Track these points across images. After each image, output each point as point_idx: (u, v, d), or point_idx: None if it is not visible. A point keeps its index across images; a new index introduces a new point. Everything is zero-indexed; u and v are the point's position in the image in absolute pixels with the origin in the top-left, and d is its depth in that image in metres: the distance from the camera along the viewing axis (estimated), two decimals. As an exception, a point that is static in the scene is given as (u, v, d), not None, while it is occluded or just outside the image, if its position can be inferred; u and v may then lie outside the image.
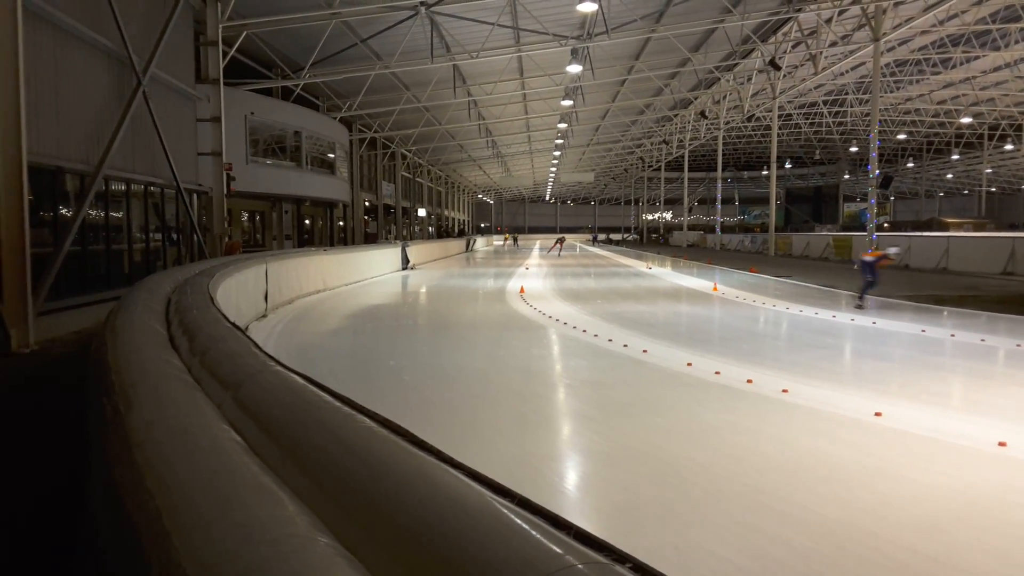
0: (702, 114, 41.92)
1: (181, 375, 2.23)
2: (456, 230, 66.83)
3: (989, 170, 56.79)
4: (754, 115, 42.81)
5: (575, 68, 24.68)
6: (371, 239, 38.82)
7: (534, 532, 1.00)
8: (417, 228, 51.70)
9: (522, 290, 17.21)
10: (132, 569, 1.06)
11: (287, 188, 27.03)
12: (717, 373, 7.55)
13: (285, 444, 1.58)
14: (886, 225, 62.18)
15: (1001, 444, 5.02)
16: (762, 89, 37.91)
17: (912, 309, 13.07)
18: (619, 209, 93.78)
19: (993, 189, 67.87)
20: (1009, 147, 51.84)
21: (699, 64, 32.16)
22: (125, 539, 1.14)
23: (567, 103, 33.99)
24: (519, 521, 1.04)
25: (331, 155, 30.66)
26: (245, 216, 31.52)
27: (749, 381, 7.12)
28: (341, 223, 35.99)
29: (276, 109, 25.72)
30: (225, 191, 16.77)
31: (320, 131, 29.11)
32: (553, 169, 64.68)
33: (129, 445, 1.44)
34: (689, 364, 8.02)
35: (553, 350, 9.66)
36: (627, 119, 46.91)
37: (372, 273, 22.78)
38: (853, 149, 64.98)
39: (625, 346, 9.27)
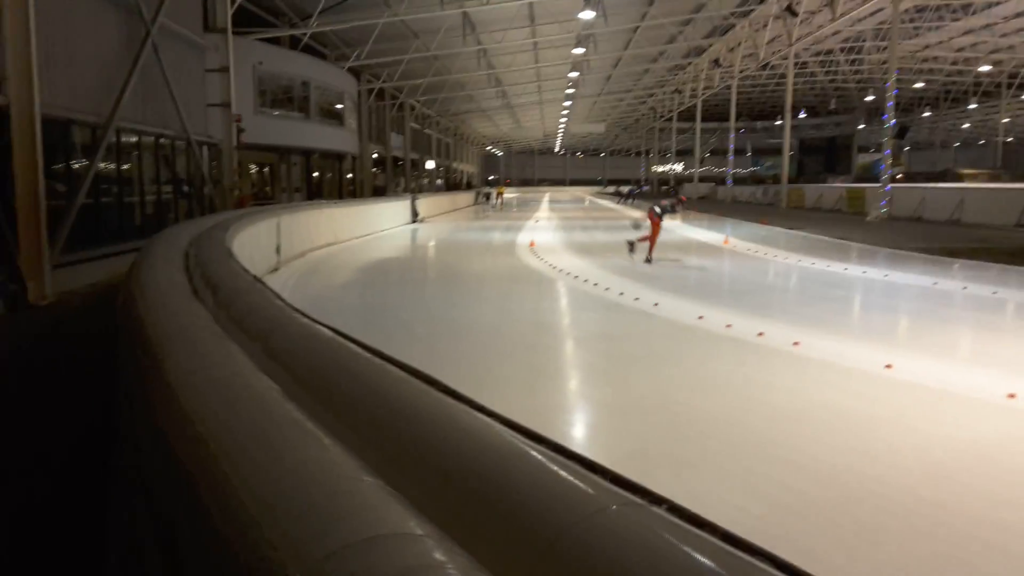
0: (716, 62, 41.15)
1: (211, 326, 2.29)
2: (465, 182, 66.49)
3: (1006, 119, 55.80)
4: (769, 63, 42.02)
5: (588, 14, 24.24)
6: (379, 192, 38.71)
7: (569, 475, 1.05)
8: (426, 180, 51.47)
9: (532, 244, 17.22)
10: (189, 511, 1.12)
11: (295, 140, 26.90)
12: (728, 326, 7.60)
13: (318, 392, 1.65)
14: (900, 176, 61.42)
15: (1010, 396, 5.07)
16: (778, 36, 37.09)
17: (924, 261, 13.00)
18: (629, 160, 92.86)
19: (1010, 139, 66.70)
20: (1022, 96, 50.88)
21: (714, 10, 31.48)
22: (177, 482, 1.21)
23: (579, 51, 33.44)
24: (554, 465, 1.09)
25: (339, 106, 30.41)
26: (253, 168, 31.47)
27: (760, 334, 7.18)
28: (350, 175, 35.87)
29: (284, 59, 25.44)
30: (235, 143, 16.72)
31: (328, 81, 28.83)
32: (563, 120, 63.95)
33: (173, 394, 1.50)
34: (700, 317, 8.07)
35: (564, 303, 9.73)
36: (639, 68, 46.14)
37: (382, 226, 22.79)
38: (869, 98, 63.86)
39: (636, 300, 9.32)
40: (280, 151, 27.84)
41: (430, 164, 53.73)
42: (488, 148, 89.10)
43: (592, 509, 0.96)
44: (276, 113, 25.56)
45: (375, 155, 40.52)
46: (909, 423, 4.72)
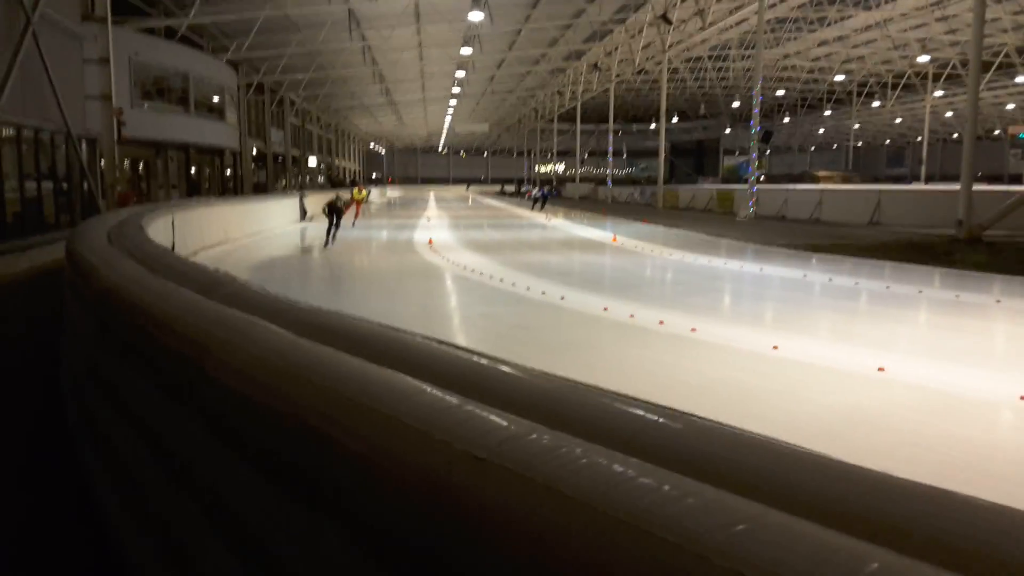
0: (595, 66, 42.67)
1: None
2: (348, 180, 65.52)
3: (857, 125, 60.78)
4: (644, 69, 44.03)
5: (477, 15, 24.69)
6: (260, 189, 37.70)
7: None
8: (307, 178, 50.42)
9: (431, 242, 17.48)
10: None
11: (173, 134, 25.88)
12: (632, 316, 8.21)
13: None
14: (762, 178, 65.62)
15: (880, 369, 5.88)
16: (652, 42, 38.96)
17: (792, 256, 14.26)
18: (512, 160, 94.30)
19: (860, 143, 72.65)
20: (876, 104, 55.62)
21: (594, 16, 32.70)
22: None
23: (467, 51, 33.87)
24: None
25: (219, 99, 29.45)
26: (126, 163, 29.93)
27: (661, 322, 7.82)
28: (229, 172, 34.75)
29: (162, 49, 24.41)
30: (116, 137, 16.04)
31: (208, 74, 27.87)
32: (448, 119, 64.24)
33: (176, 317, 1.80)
34: (605, 308, 8.66)
35: (476, 298, 10.09)
36: (522, 69, 47.13)
37: (271, 224, 22.38)
38: (735, 104, 67.84)
39: (543, 293, 9.83)
40: (157, 146, 26.68)
41: (312, 161, 52.70)
42: (371, 145, 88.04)
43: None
44: (154, 106, 24.48)
45: (255, 151, 39.42)
46: (799, 394, 5.42)
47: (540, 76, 50.96)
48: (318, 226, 24.45)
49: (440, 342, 2.41)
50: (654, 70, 44.63)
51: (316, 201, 30.61)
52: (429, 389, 1.65)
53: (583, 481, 1.16)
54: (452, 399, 1.56)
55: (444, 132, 77.12)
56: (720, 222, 23.85)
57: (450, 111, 59.24)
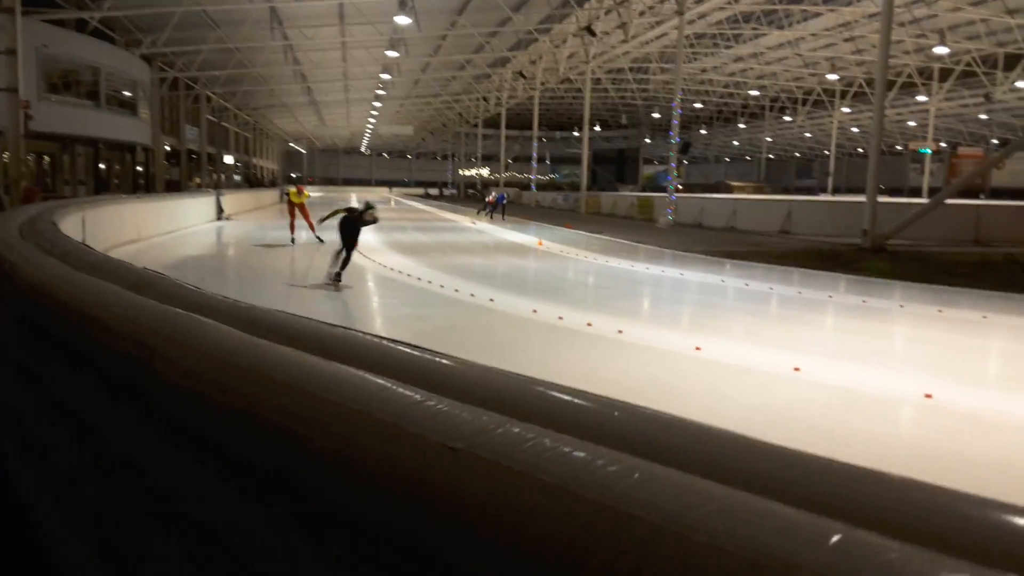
0: (520, 74, 43.02)
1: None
2: (268, 180, 63.95)
3: (769, 138, 63.24)
4: (568, 78, 44.66)
5: (404, 19, 24.56)
6: (173, 186, 36.40)
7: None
8: (223, 176, 48.97)
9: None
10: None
11: (83, 129, 24.72)
12: (560, 318, 8.35)
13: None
14: (680, 187, 67.47)
15: (796, 369, 6.18)
16: (576, 53, 39.59)
17: (710, 263, 14.75)
18: (436, 164, 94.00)
19: (772, 156, 75.56)
20: (787, 118, 57.98)
21: (519, 24, 33.01)
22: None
23: (392, 53, 33.63)
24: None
25: (131, 95, 28.32)
26: (31, 158, 28.42)
27: (589, 324, 7.99)
28: (140, 168, 33.43)
29: (72, 42, 23.30)
30: (22, 131, 15.25)
31: (120, 68, 26.77)
32: (371, 120, 63.53)
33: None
34: (534, 311, 8.77)
35: (404, 299, 10.06)
36: (448, 74, 47.10)
37: (186, 223, 21.64)
38: (655, 115, 69.51)
39: (472, 295, 9.88)
40: (65, 140, 25.42)
41: (228, 159, 51.24)
42: (291, 145, 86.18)
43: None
44: (63, 100, 23.32)
45: (168, 148, 38.07)
46: (722, 392, 5.65)
47: (465, 81, 51.06)
48: (235, 225, 23.81)
49: (387, 340, 2.44)
50: (577, 79, 45.32)
51: (232, 201, 29.81)
52: (391, 385, 1.67)
53: (559, 468, 1.22)
54: (416, 394, 1.60)
55: (367, 133, 76.22)
56: (641, 228, 24.42)
57: (374, 113, 58.63)
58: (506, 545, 1.16)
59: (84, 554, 2.33)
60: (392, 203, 51.87)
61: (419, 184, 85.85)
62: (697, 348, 6.92)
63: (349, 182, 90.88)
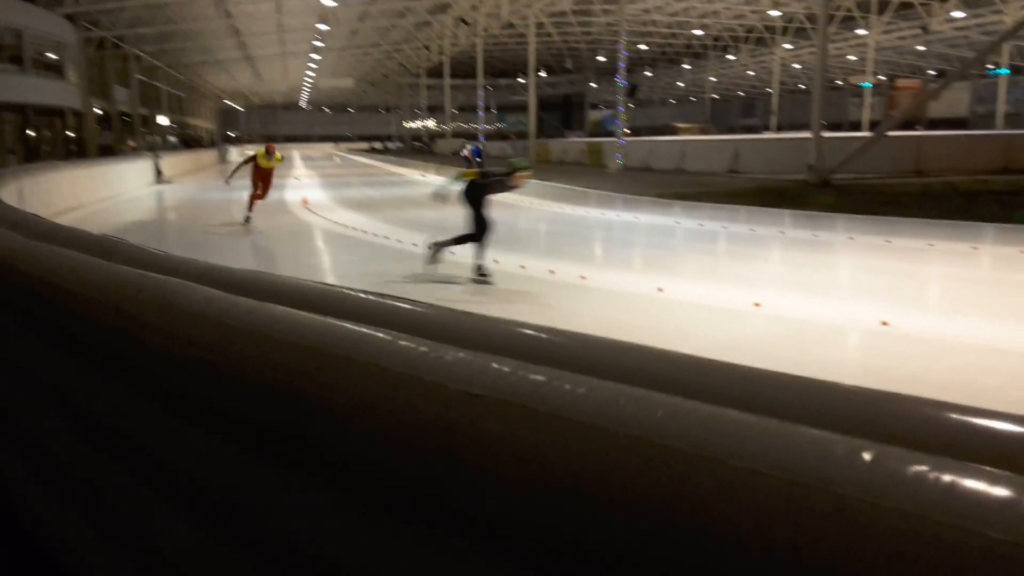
0: (461, 20, 42.15)
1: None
2: (208, 140, 61.97)
3: (713, 78, 63.44)
4: (510, 23, 43.90)
5: (338, -32, 23.73)
6: (106, 151, 35.02)
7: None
8: (158, 138, 47.28)
9: (305, 201, 16.96)
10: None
11: (8, 95, 23.56)
12: (523, 267, 8.39)
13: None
14: (627, 131, 67.52)
15: (756, 304, 6.34)
16: (518, -4, 38.91)
17: (663, 205, 14.88)
18: (379, 117, 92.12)
19: (716, 96, 75.93)
20: (730, 57, 58.18)
21: (459, -32, 32.20)
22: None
23: (329, 2, 32.56)
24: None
25: (57, 57, 26.98)
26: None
27: (551, 271, 8.04)
28: (71, 134, 32.05)
29: (-13, 1, 22.02)
30: (-58, 97, 14.43)
31: (44, 29, 25.43)
32: (310, 74, 61.76)
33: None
34: (496, 261, 8.77)
35: (363, 255, 9.95)
36: (386, 23, 45.92)
37: (125, 188, 20.92)
38: (600, 59, 69.00)
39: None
40: (-12, 107, 24.18)
41: (162, 120, 49.43)
42: (227, 102, 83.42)
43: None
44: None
45: (99, 111, 36.51)
46: (686, 330, 5.77)
47: (405, 30, 49.85)
48: (175, 188, 23.11)
49: (374, 294, 2.42)
50: (520, 24, 44.64)
51: (171, 163, 28.86)
52: (393, 338, 1.67)
53: (585, 407, 1.24)
54: (423, 346, 1.60)
55: (306, 88, 74.17)
56: (592, 174, 24.45)
57: (312, 66, 56.97)
58: (543, 486, 1.18)
59: (82, 533, 2.29)
60: (336, 159, 50.87)
61: (362, 138, 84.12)
62: (660, 289, 7.03)
63: (290, 139, 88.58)
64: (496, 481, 1.26)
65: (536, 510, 1.22)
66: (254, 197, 12.75)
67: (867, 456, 1.02)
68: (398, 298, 2.25)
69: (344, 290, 2.29)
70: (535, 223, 13.41)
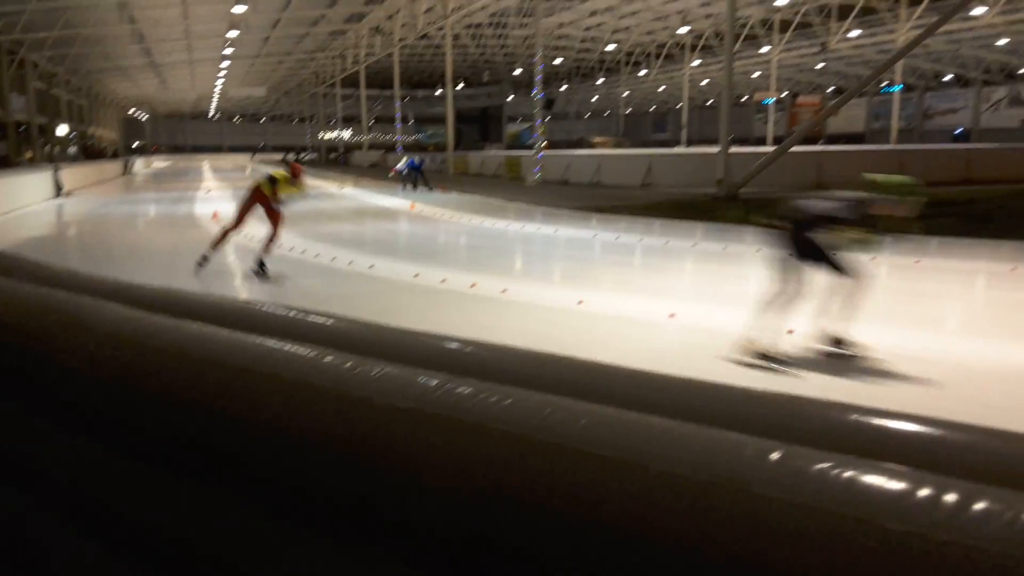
0: (376, 29, 41.85)
1: None
2: (110, 151, 59.32)
3: (626, 93, 65.02)
4: (426, 34, 43.89)
5: (250, -24, 23.25)
6: (2, 163, 33.12)
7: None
8: (57, 149, 44.99)
9: (215, 215, 16.46)
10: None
11: None
12: (443, 281, 8.39)
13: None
14: (545, 144, 68.35)
15: (671, 315, 6.53)
16: (434, 6, 38.92)
17: (580, 218, 15.17)
18: (293, 127, 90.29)
19: (629, 110, 77.81)
20: (642, 72, 59.76)
21: (374, -21, 32.01)
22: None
23: (239, 9, 31.82)
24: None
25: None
26: None
27: (473, 285, 8.07)
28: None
29: None
30: None
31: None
32: (219, 82, 60.08)
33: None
34: (416, 275, 8.76)
35: (282, 271, 9.73)
36: (300, 30, 45.16)
37: (23, 202, 19.86)
38: (516, 72, 69.72)
39: (351, 263, 9.73)
40: None
41: (62, 129, 47.09)
42: (131, 111, 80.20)
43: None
44: None
45: (-8, 120, 34.50)
46: (604, 342, 5.90)
47: (320, 38, 49.16)
48: (77, 202, 22.06)
49: (297, 310, 2.41)
50: (437, 35, 44.69)
51: (72, 176, 27.55)
52: (319, 354, 1.67)
53: (511, 417, 1.28)
54: (348, 361, 1.60)
55: (215, 96, 72.09)
56: (511, 187, 24.66)
57: (222, 74, 55.46)
58: (472, 496, 1.21)
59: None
60: (249, 171, 49.56)
61: (276, 149, 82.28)
62: (580, 302, 7.16)
63: (199, 149, 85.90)
64: (426, 492, 1.28)
65: (465, 519, 1.24)
66: (228, 230, 9.29)
67: (775, 456, 1.09)
68: (321, 313, 2.24)
69: (265, 307, 2.26)
70: (455, 237, 13.43)
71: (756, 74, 56.61)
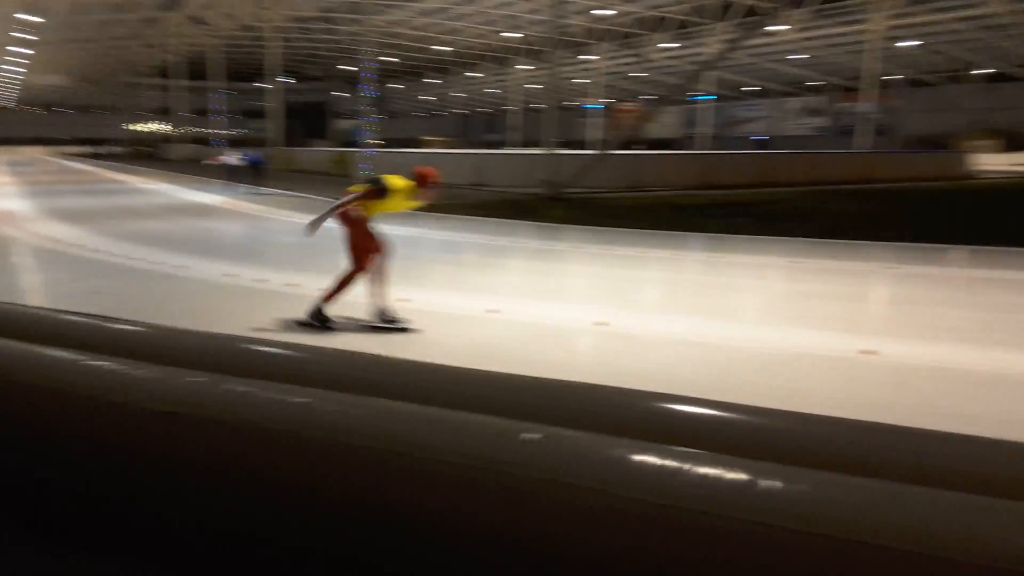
0: (193, 18, 39.50)
1: None
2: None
3: (458, 94, 65.61)
4: (250, 25, 41.93)
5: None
6: None
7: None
8: None
9: (8, 214, 14.88)
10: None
11: None
12: (264, 281, 8.08)
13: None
14: (379, 142, 67.46)
15: (495, 311, 6.68)
16: (256, -2, 37.34)
17: (411, 216, 15.06)
18: (102, 118, 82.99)
19: (465, 111, 78.58)
20: (473, 74, 60.54)
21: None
22: None
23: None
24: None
25: None
26: None
27: (293, 285, 7.83)
28: None
29: None
30: None
31: None
32: (16, 70, 54.21)
33: None
34: (232, 275, 8.37)
35: (76, 272, 8.95)
36: (105, 16, 41.70)
37: None
38: (347, 68, 68.22)
39: (159, 263, 9.13)
40: None
41: None
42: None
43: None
44: None
45: None
46: (430, 339, 5.91)
47: (131, 25, 45.67)
48: None
49: (59, 311, 2.25)
50: (259, 27, 42.84)
51: None
52: (80, 357, 1.57)
53: (278, 415, 1.27)
54: (116, 364, 1.53)
55: (11, 85, 65.03)
56: (340, 185, 24.08)
57: (18, 60, 50.09)
58: (225, 485, 1.19)
59: None
60: (51, 164, 45.12)
61: (84, 142, 75.40)
62: (406, 300, 7.12)
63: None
64: (192, 491, 1.24)
65: (226, 514, 1.22)
66: (357, 270, 6.06)
67: (524, 436, 1.16)
68: (96, 316, 2.11)
69: (26, 308, 2.09)
70: (277, 235, 12.97)
71: (579, 80, 58.99)
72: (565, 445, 1.21)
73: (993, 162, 35.85)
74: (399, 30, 51.63)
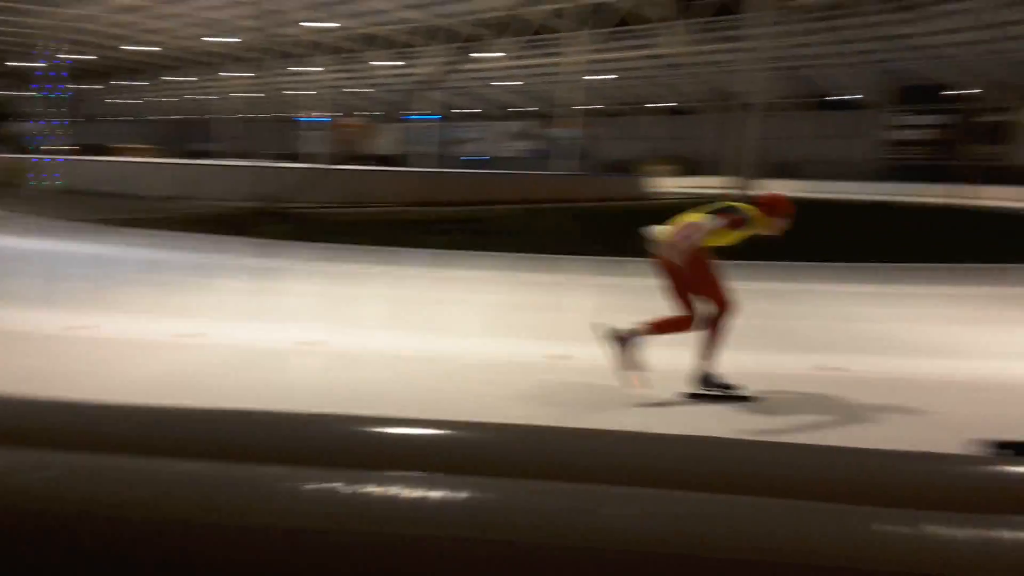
0: None
1: None
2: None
3: (165, 99, 60.62)
4: None
5: None
6: None
7: None
8: None
9: None
10: None
11: None
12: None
13: None
14: (75, 148, 59.94)
15: (198, 335, 6.27)
16: None
17: (110, 233, 13.67)
18: None
19: (169, 117, 72.51)
20: (183, 79, 56.35)
21: None
22: None
23: None
24: None
25: None
26: None
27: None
28: None
29: None
30: None
31: None
32: None
33: None
34: None
35: None
36: None
37: None
38: (29, 64, 59.67)
39: None
40: None
41: None
42: None
43: None
44: None
45: None
46: (119, 369, 5.37)
47: None
48: None
49: None
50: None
51: None
52: None
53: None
54: None
55: None
56: (7, 196, 21.07)
57: None
58: None
59: None
60: None
61: None
62: (94, 326, 6.43)
63: None
64: None
65: None
66: (683, 322, 4.74)
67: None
68: None
69: None
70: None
71: (297, 92, 57.48)
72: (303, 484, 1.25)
73: (670, 184, 41.47)
74: (94, 27, 46.51)
